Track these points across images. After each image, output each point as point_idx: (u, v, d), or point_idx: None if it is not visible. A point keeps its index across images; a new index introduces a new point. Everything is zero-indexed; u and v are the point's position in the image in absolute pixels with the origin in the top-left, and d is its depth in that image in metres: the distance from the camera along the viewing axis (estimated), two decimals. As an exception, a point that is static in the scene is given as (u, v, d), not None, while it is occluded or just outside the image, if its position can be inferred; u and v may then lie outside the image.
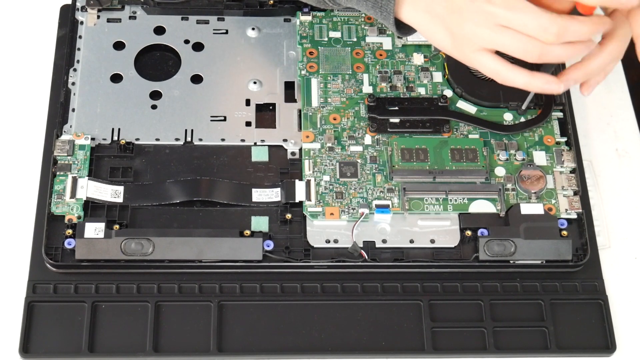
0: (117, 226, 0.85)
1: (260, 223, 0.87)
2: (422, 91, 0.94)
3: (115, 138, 0.90)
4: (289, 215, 0.87)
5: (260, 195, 0.88)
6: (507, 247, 0.85)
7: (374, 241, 0.86)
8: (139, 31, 0.97)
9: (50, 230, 0.84)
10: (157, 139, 0.91)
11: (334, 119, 0.92)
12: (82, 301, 0.83)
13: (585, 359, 0.84)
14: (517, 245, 0.85)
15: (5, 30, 0.98)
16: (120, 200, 0.87)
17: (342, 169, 0.89)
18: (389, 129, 0.91)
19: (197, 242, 0.84)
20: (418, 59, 0.96)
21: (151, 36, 0.97)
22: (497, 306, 0.85)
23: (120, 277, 0.84)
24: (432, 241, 0.86)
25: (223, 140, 0.91)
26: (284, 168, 0.90)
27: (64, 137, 0.89)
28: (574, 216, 0.88)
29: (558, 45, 0.73)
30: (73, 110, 0.91)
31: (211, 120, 0.92)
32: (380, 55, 0.96)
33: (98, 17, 0.97)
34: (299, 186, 0.88)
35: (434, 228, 0.87)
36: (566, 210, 0.88)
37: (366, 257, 0.85)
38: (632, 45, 0.76)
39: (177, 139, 0.91)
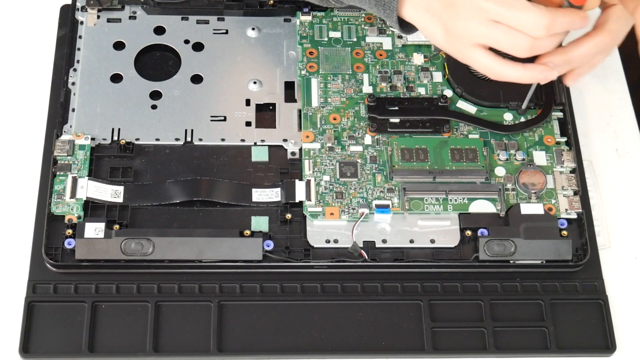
0: (117, 226, 0.85)
1: (260, 223, 0.87)
2: (422, 91, 0.94)
3: (115, 138, 0.90)
4: (289, 215, 0.87)
5: (260, 195, 0.88)
6: (507, 247, 0.85)
7: (374, 241, 0.86)
8: (139, 31, 0.97)
9: (50, 230, 0.84)
10: (157, 139, 0.91)
11: (334, 119, 0.92)
12: (82, 301, 0.83)
13: (585, 359, 0.84)
14: (517, 245, 0.85)
15: (5, 30, 0.98)
16: (120, 200, 0.87)
17: (342, 169, 0.89)
18: (389, 129, 0.91)
19: (197, 242, 0.84)
20: (418, 59, 0.96)
21: (151, 36, 0.97)
22: (497, 306, 0.85)
23: (120, 277, 0.84)
24: (432, 241, 0.86)
25: (223, 140, 0.91)
26: (284, 168, 0.90)
27: (64, 137, 0.89)
28: (574, 216, 0.88)
29: (546, 37, 0.74)
30: (73, 110, 0.91)
31: (211, 120, 0.92)
32: (380, 55, 0.96)
33: (98, 17, 0.97)
34: (299, 186, 0.88)
35: (434, 228, 0.87)
36: (566, 210, 0.88)
37: (366, 257, 0.85)
38: (635, 44, 0.77)
39: (177, 139, 0.91)
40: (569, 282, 0.86)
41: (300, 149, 0.90)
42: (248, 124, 0.92)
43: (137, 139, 0.90)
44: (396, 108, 0.92)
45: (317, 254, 0.85)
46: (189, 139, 0.91)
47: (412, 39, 0.96)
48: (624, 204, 0.92)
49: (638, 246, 0.90)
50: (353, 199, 0.87)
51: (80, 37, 0.96)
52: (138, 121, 0.91)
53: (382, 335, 0.83)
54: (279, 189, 0.88)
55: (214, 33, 0.97)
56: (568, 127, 0.92)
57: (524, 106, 0.92)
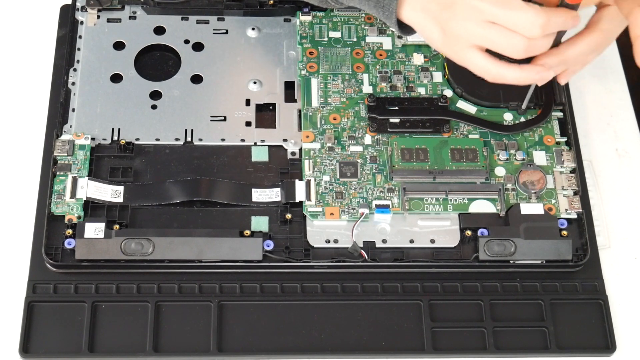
0: (117, 226, 0.85)
1: (260, 223, 0.87)
2: (422, 91, 0.94)
3: (115, 138, 0.90)
4: (289, 215, 0.87)
5: (260, 195, 0.88)
6: (507, 247, 0.85)
7: (374, 241, 0.86)
8: (139, 31, 0.97)
9: (50, 230, 0.84)
10: (157, 139, 0.91)
11: (334, 119, 0.92)
12: (82, 301, 0.83)
13: (585, 359, 0.84)
14: (517, 245, 0.85)
15: (5, 30, 0.98)
16: (120, 200, 0.87)
17: (342, 169, 0.89)
18: (389, 129, 0.91)
19: (197, 242, 0.84)
20: (418, 59, 0.96)
21: (151, 36, 0.97)
22: (497, 306, 0.85)
23: (120, 277, 0.84)
24: (432, 241, 0.86)
25: (223, 140, 0.91)
26: (284, 168, 0.90)
27: (64, 137, 0.89)
28: (574, 216, 0.88)
29: (542, 38, 0.74)
30: (73, 110, 0.91)
31: (211, 120, 0.92)
32: (380, 55, 0.96)
33: (98, 17, 0.97)
34: (299, 186, 0.88)
35: (434, 228, 0.87)
36: (566, 210, 0.88)
37: (366, 257, 0.85)
38: (631, 45, 0.77)
39: (177, 139, 0.91)
40: (569, 282, 0.86)
41: (300, 149, 0.90)
42: (248, 124, 0.92)
43: (137, 139, 0.90)
44: (396, 108, 0.92)
45: (317, 254, 0.85)
46: (189, 139, 0.91)
47: (412, 39, 0.96)
48: (624, 204, 0.92)
49: (638, 246, 0.90)
50: (353, 199, 0.87)
51: (80, 37, 0.96)
52: (138, 121, 0.91)
53: (382, 335, 0.83)
54: (279, 189, 0.88)
55: (214, 33, 0.97)
56: (568, 127, 0.92)
57: (523, 106, 0.92)
